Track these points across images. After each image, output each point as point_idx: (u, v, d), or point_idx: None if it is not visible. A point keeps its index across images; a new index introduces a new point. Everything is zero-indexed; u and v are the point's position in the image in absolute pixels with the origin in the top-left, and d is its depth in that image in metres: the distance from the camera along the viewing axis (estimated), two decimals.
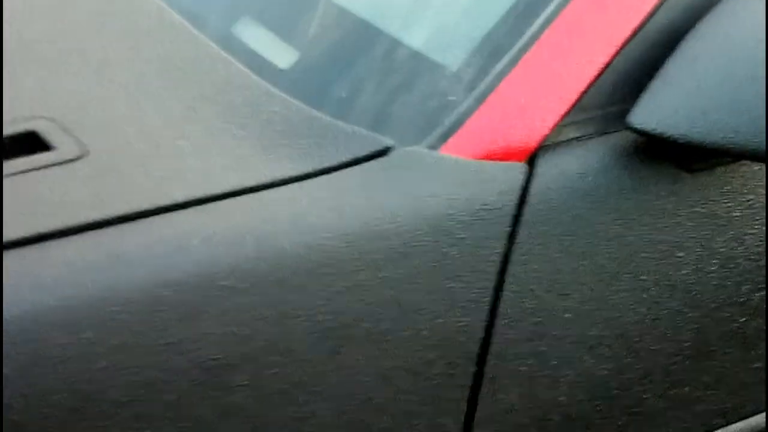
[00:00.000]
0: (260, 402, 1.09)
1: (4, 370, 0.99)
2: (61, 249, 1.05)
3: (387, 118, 1.27)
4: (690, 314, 1.29)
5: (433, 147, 1.21)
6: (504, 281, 1.18)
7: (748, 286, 1.32)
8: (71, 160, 1.17)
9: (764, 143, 1.14)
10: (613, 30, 1.23)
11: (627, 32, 1.23)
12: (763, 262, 1.33)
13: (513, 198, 1.18)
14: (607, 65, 1.23)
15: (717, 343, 1.33)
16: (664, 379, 1.31)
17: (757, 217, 1.30)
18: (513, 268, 1.18)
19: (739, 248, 1.30)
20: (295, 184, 1.16)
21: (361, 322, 1.12)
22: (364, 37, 1.37)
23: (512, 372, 1.21)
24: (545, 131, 1.20)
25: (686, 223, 1.26)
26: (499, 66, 1.24)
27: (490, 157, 1.19)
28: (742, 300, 1.33)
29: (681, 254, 1.26)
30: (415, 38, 1.35)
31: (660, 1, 1.24)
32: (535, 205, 1.18)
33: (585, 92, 1.22)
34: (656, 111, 1.19)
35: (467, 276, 1.16)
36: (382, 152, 1.20)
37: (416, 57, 1.32)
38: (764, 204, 1.31)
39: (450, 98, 1.25)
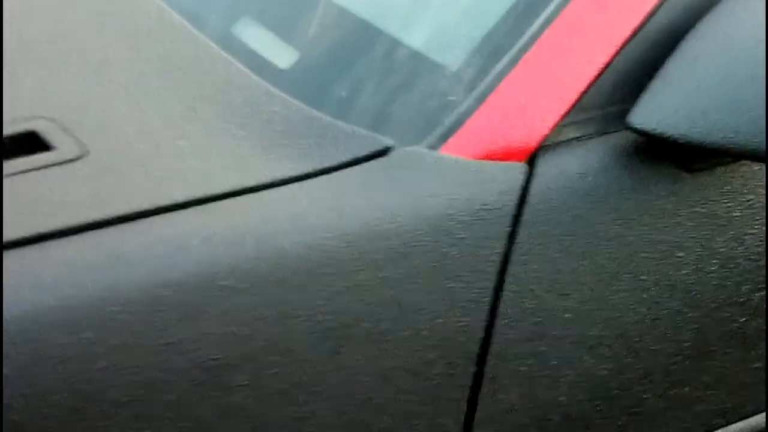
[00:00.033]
0: (260, 402, 1.09)
1: (4, 370, 0.99)
2: (61, 249, 1.05)
3: (387, 118, 1.27)
4: (690, 314, 1.29)
5: (433, 147, 1.21)
6: (504, 281, 1.18)
7: (748, 286, 1.32)
8: (71, 160, 1.16)
9: (764, 143, 1.14)
10: (613, 30, 1.23)
11: (627, 32, 1.23)
12: (763, 262, 1.32)
13: (513, 198, 1.17)
14: (607, 65, 1.22)
15: (717, 343, 1.33)
16: (664, 379, 1.31)
17: (758, 217, 1.30)
18: (513, 268, 1.18)
19: (739, 248, 1.30)
20: (295, 184, 1.15)
21: (361, 322, 1.12)
22: (364, 37, 1.37)
23: (512, 372, 1.21)
24: (545, 131, 1.20)
25: (686, 223, 1.26)
26: (499, 66, 1.24)
27: (490, 157, 1.19)
28: (742, 300, 1.32)
29: (681, 254, 1.26)
30: (415, 38, 1.35)
31: (660, 1, 1.24)
32: (535, 205, 1.18)
33: (585, 92, 1.22)
34: (656, 111, 1.18)
35: (467, 276, 1.16)
36: (382, 152, 1.20)
37: (416, 57, 1.32)
38: (764, 204, 1.30)
39: (450, 98, 1.25)
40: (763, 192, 1.30)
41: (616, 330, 1.25)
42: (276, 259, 1.08)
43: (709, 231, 1.27)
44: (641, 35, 1.23)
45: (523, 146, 1.20)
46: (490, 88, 1.23)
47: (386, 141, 1.20)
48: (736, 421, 1.42)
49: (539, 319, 1.20)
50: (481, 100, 1.23)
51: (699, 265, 1.28)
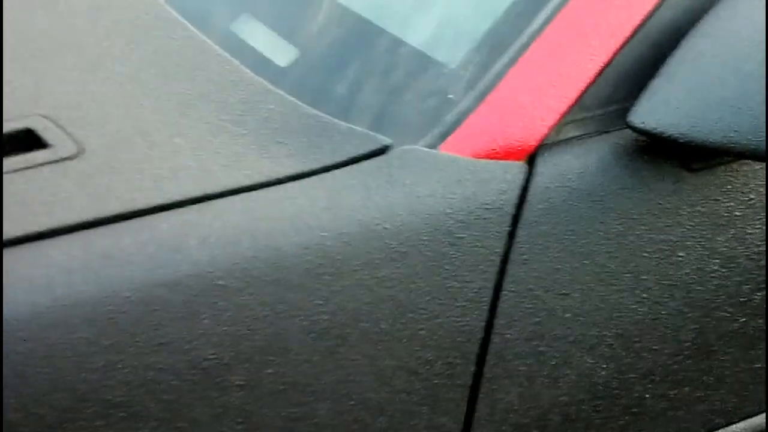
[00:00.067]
0: (256, 402, 1.09)
1: None
2: (56, 248, 1.05)
3: (385, 116, 1.27)
4: (690, 314, 1.29)
5: (432, 146, 1.21)
6: (503, 281, 1.18)
7: (749, 286, 1.32)
8: (67, 158, 1.16)
9: (764, 142, 1.14)
10: (614, 28, 1.22)
11: (628, 31, 1.22)
12: (764, 262, 1.32)
13: (512, 197, 1.17)
14: (608, 64, 1.22)
15: (718, 343, 1.33)
16: (665, 379, 1.31)
17: (759, 217, 1.30)
18: (512, 268, 1.18)
19: (740, 248, 1.30)
20: (293, 183, 1.15)
21: (359, 322, 1.11)
22: (363, 34, 1.37)
23: (512, 372, 1.21)
24: (545, 130, 1.20)
25: (687, 222, 1.25)
26: (499, 64, 1.24)
27: (489, 156, 1.19)
28: (743, 300, 1.32)
29: (682, 254, 1.26)
30: (415, 36, 1.34)
31: (660, 0, 1.23)
32: (535, 204, 1.18)
33: (585, 91, 1.22)
34: (657, 110, 1.18)
35: (466, 275, 1.15)
36: (381, 151, 1.19)
37: (415, 55, 1.32)
38: (765, 203, 1.30)
39: (449, 97, 1.24)
40: (764, 191, 1.30)
41: (616, 330, 1.25)
42: (273, 258, 1.08)
43: (709, 230, 1.27)
44: (642, 34, 1.23)
45: (523, 145, 1.19)
46: (490, 87, 1.23)
47: (385, 140, 1.20)
48: (737, 421, 1.42)
49: (539, 318, 1.20)
50: (480, 98, 1.22)
51: (700, 265, 1.28)
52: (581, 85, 1.21)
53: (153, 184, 1.13)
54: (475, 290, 1.16)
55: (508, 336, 1.19)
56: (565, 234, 1.19)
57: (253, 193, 1.14)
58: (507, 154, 1.19)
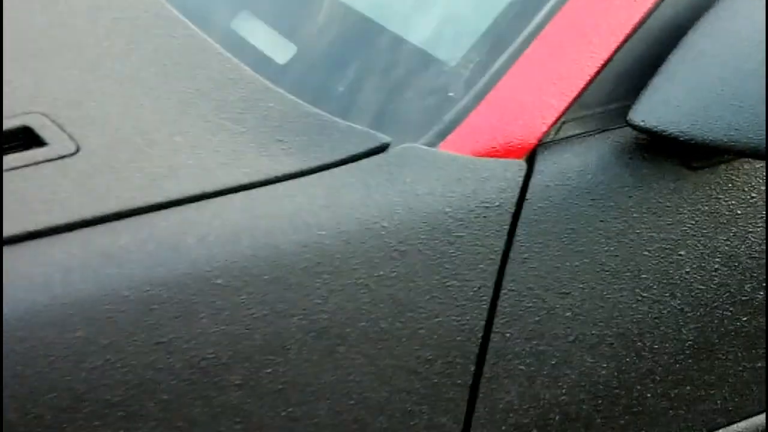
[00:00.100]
0: (255, 402, 1.08)
1: None
2: (53, 246, 1.05)
3: (385, 114, 1.26)
4: (691, 313, 1.28)
5: (432, 144, 1.20)
6: (503, 279, 1.17)
7: (750, 285, 1.32)
8: (65, 156, 1.16)
9: (765, 141, 1.14)
10: (614, 26, 1.22)
11: (628, 28, 1.22)
12: (765, 260, 1.32)
13: (512, 195, 1.17)
14: (608, 62, 1.22)
15: (719, 342, 1.33)
16: (666, 379, 1.31)
17: (760, 215, 1.29)
18: (512, 267, 1.17)
19: (741, 246, 1.29)
20: (291, 181, 1.15)
21: (358, 321, 1.11)
22: (362, 32, 1.37)
23: (512, 371, 1.20)
24: (545, 128, 1.19)
25: (688, 220, 1.25)
26: (499, 62, 1.23)
27: (489, 154, 1.19)
28: (744, 298, 1.32)
29: (682, 252, 1.26)
30: (415, 34, 1.34)
31: None
32: (535, 202, 1.18)
33: (585, 89, 1.21)
34: (657, 108, 1.18)
35: (466, 274, 1.15)
36: (380, 149, 1.19)
37: (415, 53, 1.31)
38: (765, 201, 1.30)
39: (449, 94, 1.24)
40: (765, 189, 1.29)
41: (616, 329, 1.24)
42: (271, 257, 1.08)
43: (710, 229, 1.27)
44: (642, 32, 1.23)
45: (523, 143, 1.19)
46: (490, 85, 1.22)
47: (384, 138, 1.20)
48: (738, 421, 1.42)
49: (539, 317, 1.20)
50: (480, 96, 1.22)
51: (701, 263, 1.27)
52: (581, 84, 1.21)
53: (151, 182, 1.13)
54: (475, 289, 1.16)
55: (508, 335, 1.19)
56: (565, 232, 1.19)
57: (252, 191, 1.13)
58: (507, 153, 1.19)
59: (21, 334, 1.00)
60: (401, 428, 1.17)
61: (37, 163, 1.15)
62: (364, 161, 1.18)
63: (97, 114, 1.25)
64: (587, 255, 1.21)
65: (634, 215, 1.22)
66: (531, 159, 1.19)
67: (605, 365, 1.26)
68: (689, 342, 1.30)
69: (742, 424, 1.42)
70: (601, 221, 1.21)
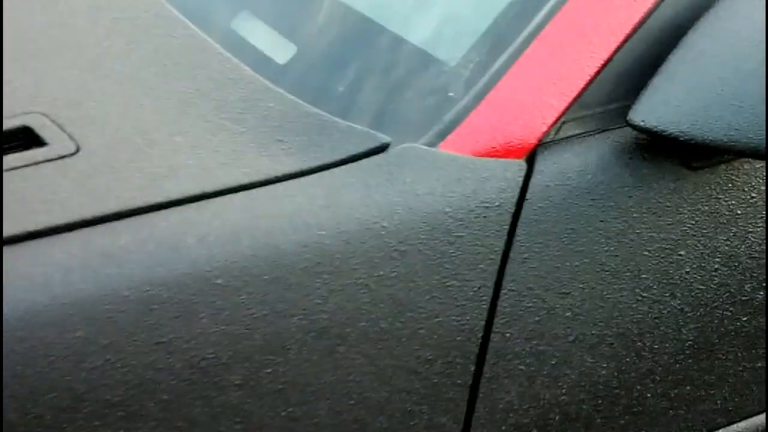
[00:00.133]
0: (255, 402, 1.08)
1: None
2: (53, 246, 1.05)
3: (385, 114, 1.26)
4: (691, 313, 1.28)
5: (432, 144, 1.20)
6: (503, 279, 1.17)
7: (750, 285, 1.32)
8: (65, 156, 1.16)
9: (765, 141, 1.14)
10: (614, 26, 1.22)
11: (628, 28, 1.22)
12: (765, 260, 1.31)
13: (512, 195, 1.17)
14: (608, 62, 1.22)
15: (719, 342, 1.32)
16: (666, 379, 1.31)
17: (760, 215, 1.29)
18: (512, 267, 1.17)
19: (741, 246, 1.29)
20: (291, 181, 1.15)
21: (358, 321, 1.11)
22: (362, 32, 1.37)
23: (512, 371, 1.20)
24: (545, 128, 1.19)
25: (688, 220, 1.25)
26: (499, 62, 1.23)
27: (489, 154, 1.18)
28: (744, 298, 1.32)
29: (682, 252, 1.26)
30: (415, 34, 1.34)
31: None
32: (535, 202, 1.18)
33: (585, 89, 1.21)
34: (657, 108, 1.18)
35: (465, 274, 1.15)
36: (380, 149, 1.19)
37: (415, 53, 1.31)
38: (765, 201, 1.30)
39: (449, 94, 1.24)
40: (765, 189, 1.29)
41: (616, 329, 1.24)
42: (271, 257, 1.08)
43: (710, 229, 1.27)
44: (642, 32, 1.23)
45: (523, 143, 1.19)
46: (490, 85, 1.22)
47: (384, 138, 1.20)
48: (738, 421, 1.42)
49: (539, 317, 1.20)
50: (480, 96, 1.22)
51: (701, 263, 1.27)
52: (581, 84, 1.21)
53: (151, 182, 1.13)
54: (475, 289, 1.16)
55: (508, 335, 1.19)
56: (565, 232, 1.19)
57: (252, 191, 1.13)
58: (507, 153, 1.19)
59: (21, 334, 1.00)
60: (401, 428, 1.17)
61: (37, 163, 1.14)
62: (364, 161, 1.18)
63: (97, 114, 1.25)
64: (587, 255, 1.20)
65: (634, 215, 1.22)
66: (531, 159, 1.19)
67: (605, 365, 1.25)
68: (689, 342, 1.30)
69: (742, 424, 1.42)
70: (601, 221, 1.20)
